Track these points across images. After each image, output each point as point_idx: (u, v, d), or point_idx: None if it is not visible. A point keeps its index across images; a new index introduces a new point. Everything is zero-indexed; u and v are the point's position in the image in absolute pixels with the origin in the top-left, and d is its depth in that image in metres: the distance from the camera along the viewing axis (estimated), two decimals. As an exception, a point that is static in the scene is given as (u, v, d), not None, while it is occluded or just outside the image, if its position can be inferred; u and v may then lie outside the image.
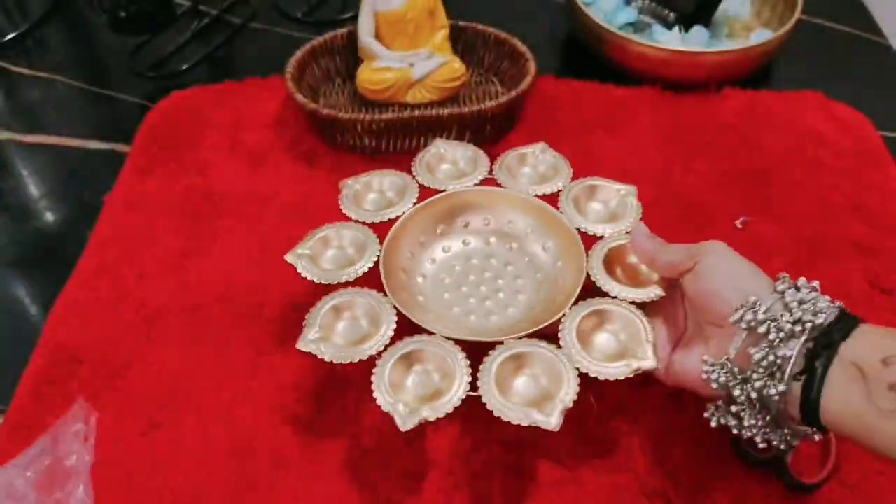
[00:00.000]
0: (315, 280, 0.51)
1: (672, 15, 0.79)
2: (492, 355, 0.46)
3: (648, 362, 0.45)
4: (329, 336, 0.48)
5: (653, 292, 0.48)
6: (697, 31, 0.76)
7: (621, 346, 0.47)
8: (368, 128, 0.67)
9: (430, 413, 0.43)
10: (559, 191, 0.57)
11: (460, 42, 0.77)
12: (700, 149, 0.70)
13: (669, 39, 0.76)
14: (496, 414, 0.42)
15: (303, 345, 0.47)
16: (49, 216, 0.68)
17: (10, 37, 0.86)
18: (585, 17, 0.76)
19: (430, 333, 0.48)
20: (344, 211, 0.56)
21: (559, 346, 0.46)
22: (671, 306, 0.48)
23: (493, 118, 0.68)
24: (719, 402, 0.43)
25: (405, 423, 0.42)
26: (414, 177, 0.59)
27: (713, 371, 0.42)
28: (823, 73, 0.80)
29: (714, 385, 0.42)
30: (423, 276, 0.55)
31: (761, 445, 0.42)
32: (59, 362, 0.54)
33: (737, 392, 0.41)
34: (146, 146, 0.71)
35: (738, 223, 0.64)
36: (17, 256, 0.64)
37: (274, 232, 0.63)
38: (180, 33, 0.83)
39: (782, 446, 0.42)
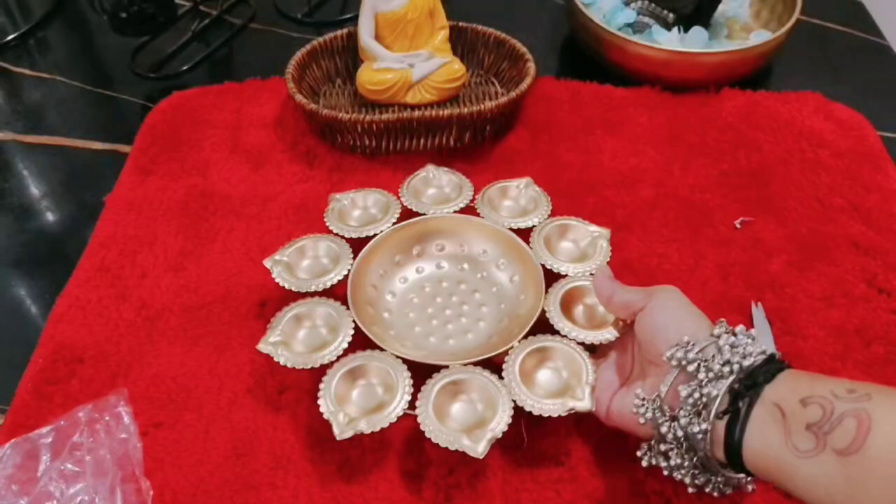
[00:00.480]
0: (287, 287, 0.53)
1: (671, 16, 0.79)
2: (435, 378, 0.48)
3: (584, 404, 0.46)
4: (290, 342, 0.50)
5: (602, 335, 0.49)
6: (696, 31, 0.76)
7: (562, 384, 0.49)
8: (368, 128, 0.67)
9: (366, 426, 0.45)
10: (535, 226, 0.58)
11: (460, 43, 0.77)
12: (699, 149, 0.70)
13: (668, 40, 0.76)
14: (427, 435, 0.44)
15: (263, 346, 0.49)
16: (50, 216, 0.68)
17: (11, 37, 0.86)
18: (585, 18, 0.76)
19: (383, 350, 0.50)
20: (327, 223, 0.58)
21: (501, 377, 0.48)
22: (622, 351, 0.49)
23: (493, 119, 0.69)
24: (651, 442, 0.44)
25: (342, 433, 0.44)
26: (399, 198, 0.60)
27: (642, 405, 0.43)
28: (822, 74, 0.80)
29: (642, 420, 0.43)
30: (392, 293, 0.57)
31: (691, 490, 0.42)
32: (61, 362, 0.54)
33: (664, 429, 0.42)
34: (147, 146, 0.71)
35: (737, 223, 0.64)
36: (18, 256, 0.64)
37: (274, 232, 0.63)
38: (181, 34, 0.84)
39: (715, 494, 0.42)
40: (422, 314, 0.56)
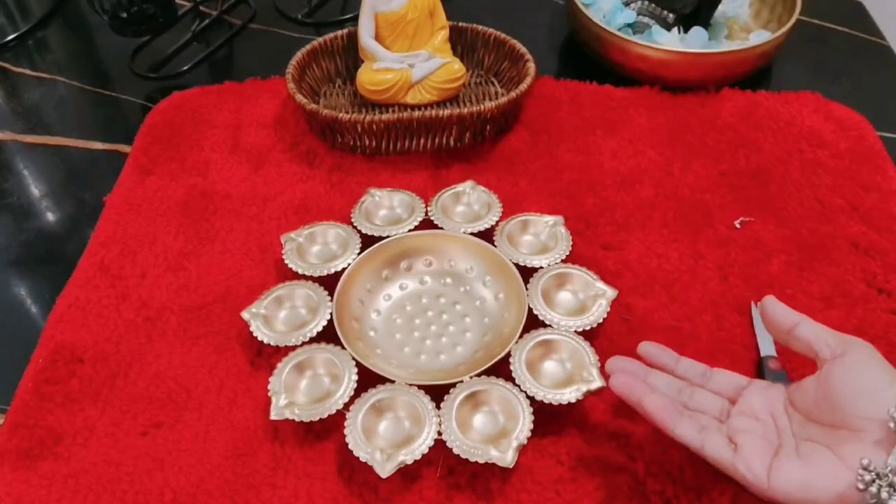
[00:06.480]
0: (271, 343, 0.53)
1: (671, 16, 0.79)
2: (452, 394, 0.49)
3: (596, 383, 0.48)
4: (295, 397, 0.50)
5: (590, 318, 0.53)
6: (696, 32, 0.76)
7: (567, 372, 0.51)
8: (368, 129, 0.67)
9: (406, 457, 0.46)
10: (493, 227, 0.60)
11: (460, 43, 0.77)
12: (699, 149, 0.70)
13: (668, 40, 0.76)
14: (456, 451, 0.46)
15: (275, 414, 0.48)
16: (50, 216, 0.68)
17: (11, 37, 0.86)
18: (585, 19, 0.76)
19: (392, 381, 0.50)
20: (289, 265, 0.57)
21: (509, 379, 0.49)
22: (764, 408, 0.44)
23: (493, 119, 0.69)
24: None
25: (386, 471, 0.45)
26: (354, 226, 0.61)
27: (872, 480, 0.37)
28: (822, 74, 0.80)
29: (871, 500, 0.37)
30: (377, 311, 0.57)
31: None
32: (61, 362, 0.54)
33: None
34: (147, 146, 0.71)
35: (736, 223, 0.64)
36: (18, 256, 0.64)
37: (274, 232, 0.63)
38: (181, 34, 0.84)
39: None
40: (408, 334, 0.56)
